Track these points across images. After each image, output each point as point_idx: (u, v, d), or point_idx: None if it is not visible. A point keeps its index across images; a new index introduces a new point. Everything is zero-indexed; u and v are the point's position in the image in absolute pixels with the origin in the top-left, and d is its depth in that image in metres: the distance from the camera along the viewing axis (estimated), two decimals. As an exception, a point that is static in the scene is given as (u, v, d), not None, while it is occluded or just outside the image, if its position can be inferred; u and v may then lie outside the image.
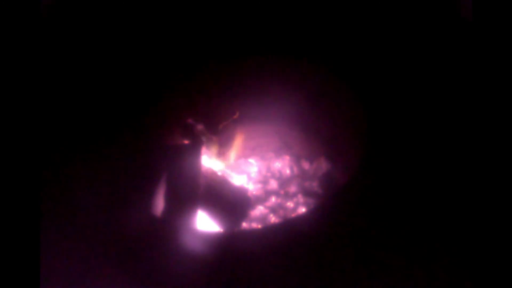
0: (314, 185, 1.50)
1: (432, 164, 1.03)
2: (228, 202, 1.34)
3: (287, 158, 1.61)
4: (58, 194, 1.06)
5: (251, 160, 1.64)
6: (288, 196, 1.50)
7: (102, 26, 1.47)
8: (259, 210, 1.46)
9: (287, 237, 0.94)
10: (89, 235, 0.98)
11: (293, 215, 1.45)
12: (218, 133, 1.49)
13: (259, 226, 1.42)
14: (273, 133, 1.60)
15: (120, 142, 1.22)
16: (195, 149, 1.35)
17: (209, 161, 1.47)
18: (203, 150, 1.41)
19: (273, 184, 1.55)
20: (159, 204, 1.29)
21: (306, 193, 1.48)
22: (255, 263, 0.90)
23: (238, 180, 1.55)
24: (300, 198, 1.47)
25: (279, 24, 1.42)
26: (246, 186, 1.54)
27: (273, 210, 1.46)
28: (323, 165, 1.52)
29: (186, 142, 1.41)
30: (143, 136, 1.30)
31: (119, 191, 1.10)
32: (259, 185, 1.55)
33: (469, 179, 0.98)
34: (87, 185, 1.08)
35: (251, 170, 1.61)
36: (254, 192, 1.53)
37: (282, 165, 1.60)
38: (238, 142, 1.53)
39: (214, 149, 1.47)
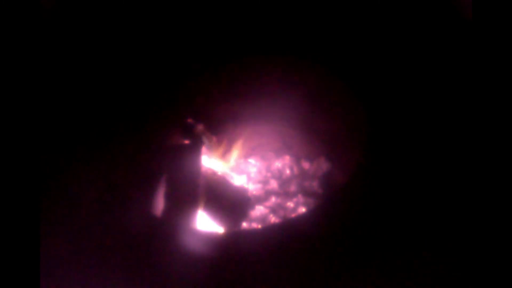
0: (314, 185, 1.50)
1: (432, 163, 1.03)
2: (228, 202, 1.34)
3: (287, 158, 1.61)
4: (58, 194, 1.06)
5: (251, 160, 1.64)
6: (288, 196, 1.50)
7: (102, 27, 1.47)
8: (259, 210, 1.46)
9: (287, 237, 0.94)
10: (89, 235, 0.98)
11: (293, 215, 1.45)
12: (218, 133, 1.49)
13: (259, 226, 1.41)
14: (273, 133, 1.60)
15: (120, 142, 1.22)
16: (195, 149, 1.35)
17: (209, 161, 1.47)
18: (203, 150, 1.41)
19: (273, 184, 1.55)
20: (159, 204, 1.29)
21: (306, 193, 1.48)
22: (255, 263, 0.90)
23: (238, 180, 1.55)
24: (300, 198, 1.47)
25: (279, 24, 1.42)
26: (246, 186, 1.54)
27: (273, 210, 1.46)
28: (323, 165, 1.52)
29: (186, 142, 1.40)
30: (143, 136, 1.29)
31: (119, 191, 1.10)
32: (259, 185, 1.55)
33: (469, 179, 0.98)
34: (87, 185, 1.08)
35: (251, 170, 1.61)
36: (254, 192, 1.53)
37: (282, 165, 1.60)
38: (239, 145, 1.53)
39: (214, 149, 1.47)
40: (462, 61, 1.22)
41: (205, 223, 1.31)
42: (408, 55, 1.28)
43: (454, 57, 1.24)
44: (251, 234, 1.09)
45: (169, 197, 1.26)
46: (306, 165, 1.58)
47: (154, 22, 1.47)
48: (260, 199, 1.50)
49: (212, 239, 1.00)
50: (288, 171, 1.58)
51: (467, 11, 1.29)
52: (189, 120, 1.40)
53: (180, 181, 1.28)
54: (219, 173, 1.46)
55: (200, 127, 1.40)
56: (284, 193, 1.51)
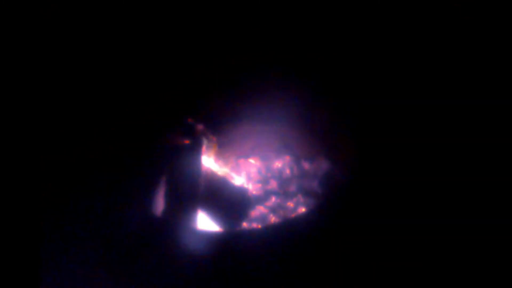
0: (314, 185, 1.50)
1: (432, 164, 1.03)
2: (228, 202, 1.34)
3: (287, 158, 1.61)
4: (59, 195, 1.06)
5: (251, 160, 1.64)
6: (288, 196, 1.50)
7: (102, 27, 1.47)
8: (259, 210, 1.46)
9: (287, 237, 0.94)
10: (90, 235, 0.98)
11: (293, 215, 1.45)
12: (218, 133, 1.49)
13: (259, 226, 1.42)
14: (273, 133, 1.60)
15: (120, 142, 1.22)
16: (195, 149, 1.35)
17: (209, 161, 1.47)
18: (203, 150, 1.41)
19: (273, 184, 1.55)
20: (159, 204, 1.29)
21: (306, 193, 1.48)
22: (255, 263, 0.90)
23: (238, 180, 1.55)
24: (300, 198, 1.47)
25: (279, 25, 1.42)
26: (246, 186, 1.54)
27: (273, 210, 1.46)
28: (323, 165, 1.52)
29: (186, 142, 1.41)
30: (143, 136, 1.29)
31: (119, 191, 1.10)
32: (259, 185, 1.55)
33: (469, 179, 0.98)
34: (88, 185, 1.08)
35: (251, 170, 1.61)
36: (254, 192, 1.53)
37: (282, 165, 1.60)
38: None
39: (213, 149, 1.47)
40: (462, 62, 1.22)
41: (205, 223, 1.31)
42: (408, 55, 1.28)
43: (453, 58, 1.24)
44: (251, 234, 1.09)
45: (169, 197, 1.26)
46: (306, 165, 1.58)
47: (155, 21, 1.47)
48: (260, 199, 1.50)
49: (212, 239, 1.00)
50: (288, 171, 1.58)
51: (466, 11, 1.29)
52: (189, 120, 1.40)
53: (180, 181, 1.28)
54: (219, 173, 1.46)
55: (200, 127, 1.40)
56: (284, 193, 1.51)
